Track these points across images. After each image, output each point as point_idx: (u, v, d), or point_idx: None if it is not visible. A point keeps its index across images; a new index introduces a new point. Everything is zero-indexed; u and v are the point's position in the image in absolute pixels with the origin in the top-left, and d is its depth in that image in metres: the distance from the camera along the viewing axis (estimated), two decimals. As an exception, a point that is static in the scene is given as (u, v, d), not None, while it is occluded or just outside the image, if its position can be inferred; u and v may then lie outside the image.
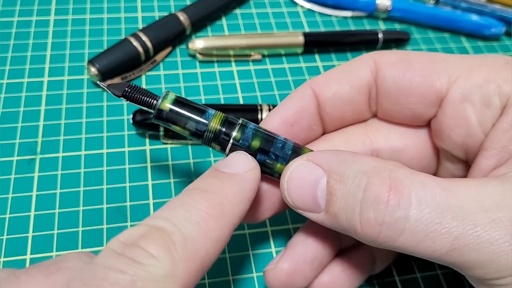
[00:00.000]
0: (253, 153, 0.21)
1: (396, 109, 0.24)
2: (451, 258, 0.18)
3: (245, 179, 0.20)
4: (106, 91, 0.22)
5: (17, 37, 0.39)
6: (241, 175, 0.20)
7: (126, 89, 0.21)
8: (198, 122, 0.21)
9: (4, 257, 0.27)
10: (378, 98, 0.24)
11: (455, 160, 0.24)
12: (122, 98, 0.21)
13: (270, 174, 0.22)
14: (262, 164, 0.22)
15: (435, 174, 0.26)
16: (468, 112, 0.22)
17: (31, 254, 0.27)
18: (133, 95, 0.21)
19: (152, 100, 0.21)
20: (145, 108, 0.21)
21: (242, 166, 0.21)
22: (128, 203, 0.30)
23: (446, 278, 0.29)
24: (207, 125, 0.21)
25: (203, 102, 0.36)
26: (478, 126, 0.22)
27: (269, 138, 0.22)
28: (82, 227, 0.29)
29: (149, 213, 0.30)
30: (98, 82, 0.23)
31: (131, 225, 0.29)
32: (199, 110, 0.21)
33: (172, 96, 0.21)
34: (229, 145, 0.21)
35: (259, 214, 0.24)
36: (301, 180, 0.21)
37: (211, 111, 0.22)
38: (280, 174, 0.22)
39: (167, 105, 0.21)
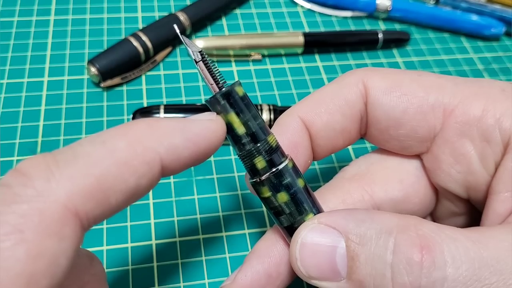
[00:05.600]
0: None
1: (384, 138, 0.23)
2: None
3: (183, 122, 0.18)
4: (184, 44, 0.19)
5: (17, 37, 0.39)
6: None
7: (202, 53, 0.19)
8: (260, 126, 0.19)
9: (4, 257, 0.27)
10: (367, 124, 0.23)
11: (454, 199, 0.23)
12: (199, 59, 0.19)
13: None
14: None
15: (434, 213, 0.25)
16: (467, 148, 0.21)
17: (31, 254, 0.27)
18: (208, 62, 0.19)
19: (222, 79, 0.19)
20: (210, 83, 0.19)
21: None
22: (128, 203, 0.30)
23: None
24: (267, 135, 0.20)
25: (203, 102, 0.36)
26: (479, 163, 0.21)
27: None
28: (82, 227, 0.29)
29: (149, 212, 0.30)
30: (179, 34, 0.20)
31: (131, 225, 0.29)
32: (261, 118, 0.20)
33: (242, 89, 0.20)
34: (282, 165, 0.20)
35: None
36: (316, 247, 0.19)
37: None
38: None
39: (242, 90, 0.19)
